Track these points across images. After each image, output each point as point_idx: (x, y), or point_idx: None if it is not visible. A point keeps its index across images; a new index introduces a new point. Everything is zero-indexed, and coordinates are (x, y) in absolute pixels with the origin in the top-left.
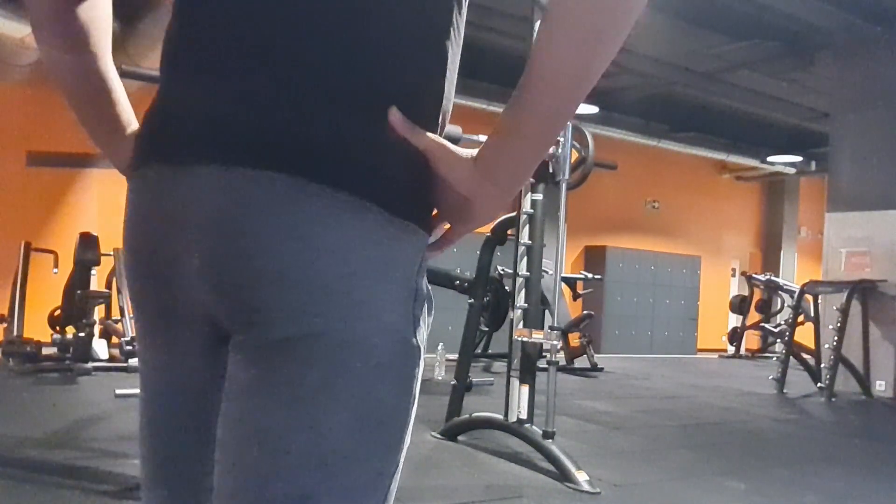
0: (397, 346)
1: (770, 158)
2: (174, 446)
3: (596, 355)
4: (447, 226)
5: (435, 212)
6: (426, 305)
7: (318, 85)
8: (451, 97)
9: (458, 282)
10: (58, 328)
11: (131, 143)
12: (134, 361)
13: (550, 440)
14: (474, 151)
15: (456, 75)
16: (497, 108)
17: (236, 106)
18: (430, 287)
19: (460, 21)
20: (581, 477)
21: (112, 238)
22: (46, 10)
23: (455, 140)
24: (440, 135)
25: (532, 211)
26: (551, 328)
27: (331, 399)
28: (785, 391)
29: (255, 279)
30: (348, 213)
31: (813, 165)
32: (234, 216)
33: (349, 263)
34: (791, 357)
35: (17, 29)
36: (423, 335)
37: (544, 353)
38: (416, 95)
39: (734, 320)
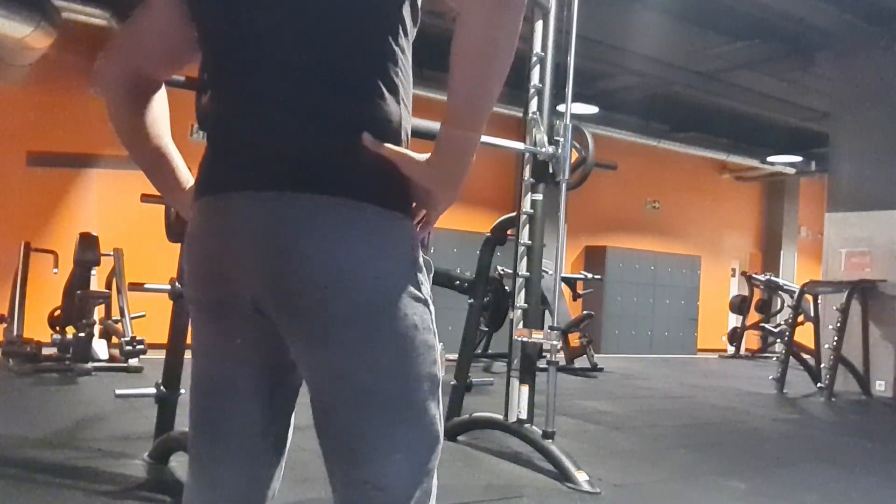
0: (409, 300)
1: (770, 158)
2: (226, 404)
3: (596, 355)
4: (423, 212)
5: (413, 204)
6: (424, 270)
7: (312, 127)
8: (409, 117)
9: (458, 282)
10: (58, 328)
11: (189, 193)
12: (134, 362)
13: (550, 440)
14: (426, 155)
15: (410, 99)
16: (496, 108)
17: (267, 151)
18: (426, 257)
19: (406, 59)
20: (581, 477)
21: (112, 238)
22: (122, 112)
23: None
24: (404, 145)
25: (532, 211)
26: (551, 328)
27: (374, 344)
28: (785, 391)
29: (297, 270)
30: (351, 213)
31: (813, 165)
32: (277, 226)
33: (359, 249)
34: (791, 357)
35: (17, 29)
36: (427, 290)
37: (544, 353)
38: (381, 121)
39: (734, 320)
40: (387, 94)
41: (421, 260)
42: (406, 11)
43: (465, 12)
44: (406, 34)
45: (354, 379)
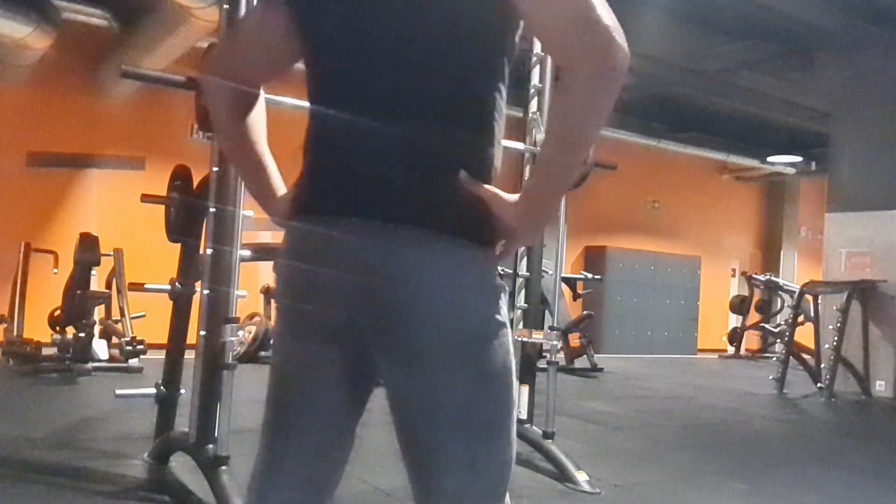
0: (491, 325)
1: (770, 158)
2: (308, 430)
3: (596, 355)
4: (503, 243)
5: (498, 236)
6: (502, 293)
7: (416, 165)
8: (499, 157)
9: None
10: (58, 328)
11: (282, 202)
12: (133, 362)
13: (550, 440)
14: (516, 196)
15: (502, 138)
16: None
17: (367, 181)
18: (501, 281)
19: (502, 101)
20: (581, 477)
21: (112, 238)
22: (226, 119)
23: None
24: (494, 182)
25: None
26: (551, 328)
27: (456, 367)
28: (785, 391)
29: (394, 295)
30: (443, 245)
31: (813, 165)
32: (378, 254)
33: (448, 279)
34: (791, 357)
35: (17, 29)
36: (504, 313)
37: (544, 354)
38: (477, 161)
39: (734, 320)
40: (485, 137)
41: (499, 283)
42: (505, 59)
43: (571, 76)
44: (504, 79)
45: (439, 398)
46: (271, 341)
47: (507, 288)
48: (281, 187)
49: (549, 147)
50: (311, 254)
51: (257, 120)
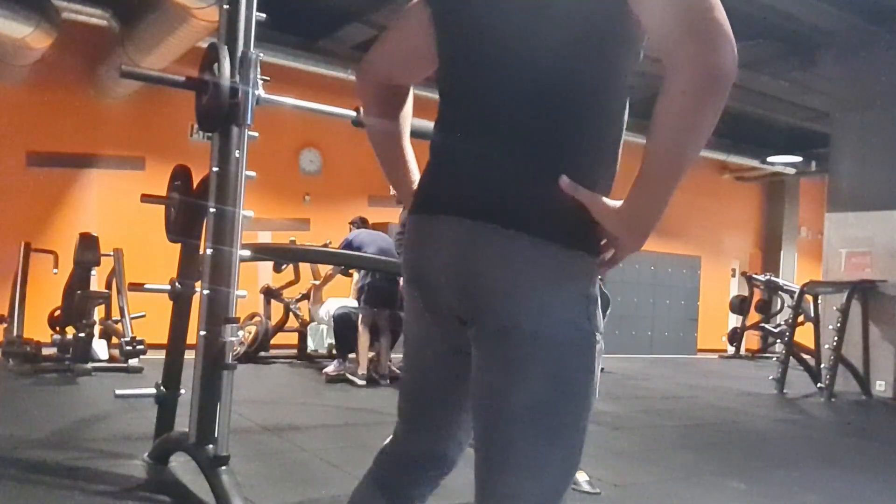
0: (574, 332)
1: (770, 159)
2: (427, 390)
3: None
4: (611, 252)
5: (603, 242)
6: (599, 304)
7: (516, 172)
8: (614, 165)
9: None
10: (58, 328)
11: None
12: (133, 362)
13: None
14: (619, 203)
15: (619, 147)
16: None
17: (470, 184)
18: (604, 291)
19: (621, 121)
20: (581, 477)
21: (112, 238)
22: (375, 116)
23: None
24: (604, 191)
25: None
26: None
27: (531, 368)
28: (785, 391)
29: (478, 290)
30: (534, 248)
31: (813, 165)
32: (467, 250)
33: (535, 280)
34: (791, 357)
35: (17, 29)
36: (597, 323)
37: None
38: (581, 168)
39: (734, 320)
40: (604, 139)
41: (596, 294)
42: (625, 73)
43: (673, 84)
44: (623, 92)
45: (511, 397)
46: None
47: (609, 300)
48: (416, 179)
49: (654, 153)
50: (420, 247)
51: (404, 117)
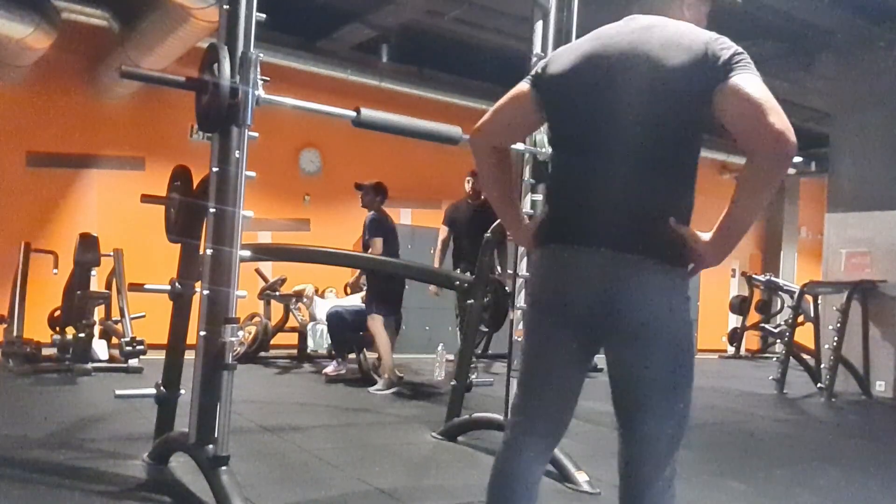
0: (688, 325)
1: None
2: (550, 386)
3: (596, 356)
4: (692, 266)
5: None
6: (688, 299)
7: (644, 215)
8: (692, 208)
9: (458, 282)
10: (58, 329)
11: (525, 230)
12: (133, 362)
13: None
14: (708, 235)
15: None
16: None
17: (608, 224)
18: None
19: (697, 167)
20: (581, 477)
21: (112, 238)
22: (486, 168)
23: (455, 140)
24: (688, 223)
25: (532, 211)
26: None
27: (664, 348)
28: (785, 391)
29: (621, 300)
30: (659, 270)
31: (813, 165)
32: (610, 276)
33: (664, 293)
34: (791, 357)
35: (17, 29)
36: (691, 313)
37: None
38: (683, 208)
39: (734, 321)
40: (690, 188)
41: (688, 295)
42: (703, 135)
43: (757, 161)
44: (700, 149)
45: (648, 367)
46: (524, 329)
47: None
48: (525, 220)
49: (737, 203)
50: (558, 271)
51: (507, 169)
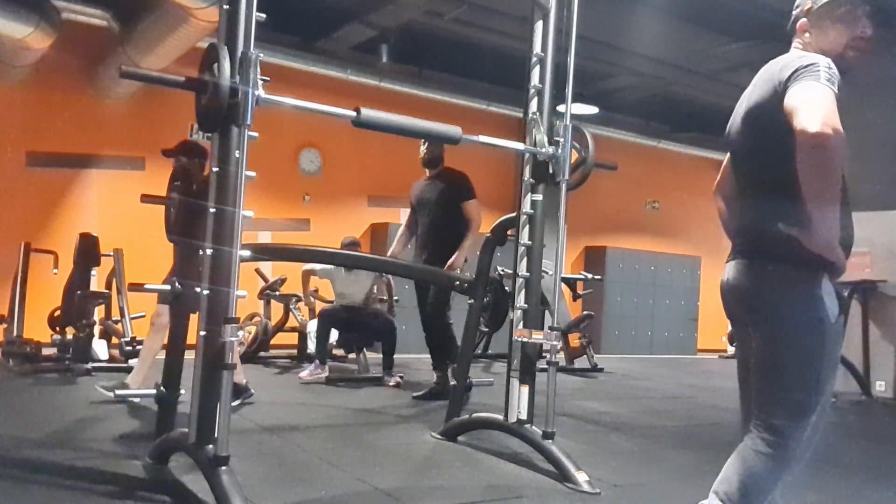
0: (805, 313)
1: None
2: (744, 370)
3: (596, 356)
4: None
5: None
6: (824, 295)
7: (767, 229)
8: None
9: (458, 282)
10: (58, 328)
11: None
12: (134, 362)
13: (550, 440)
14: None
15: None
16: (497, 109)
17: (742, 235)
18: (831, 290)
19: None
20: (581, 477)
21: (112, 238)
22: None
23: (455, 140)
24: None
25: (532, 211)
26: (551, 328)
27: (789, 345)
28: None
29: (754, 307)
30: (788, 273)
31: None
32: (744, 280)
33: (791, 295)
34: None
35: (17, 29)
36: (822, 310)
37: (544, 354)
38: (798, 215)
39: None
40: (798, 198)
41: (817, 293)
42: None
43: (797, 146)
44: None
45: (776, 349)
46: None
47: (832, 291)
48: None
49: (805, 194)
50: (724, 282)
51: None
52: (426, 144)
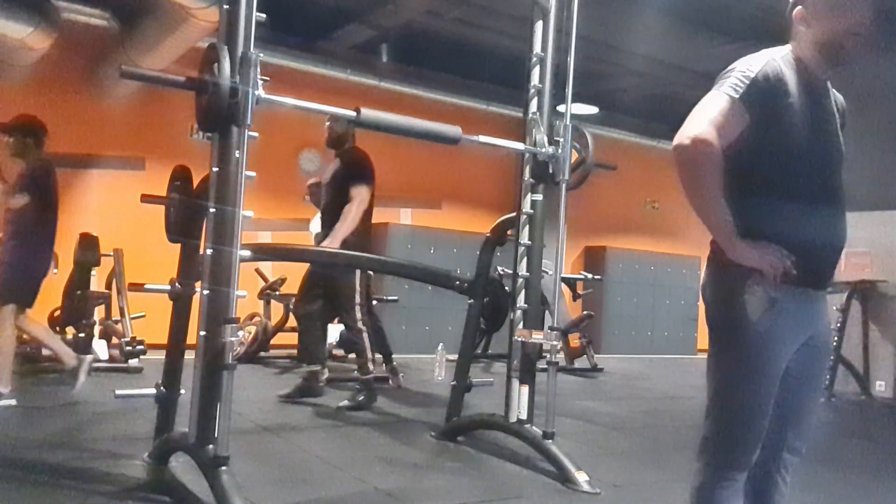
0: (734, 320)
1: None
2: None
3: (596, 356)
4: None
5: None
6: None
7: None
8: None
9: (457, 282)
10: (58, 329)
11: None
12: (133, 362)
13: (550, 440)
14: None
15: None
16: (497, 109)
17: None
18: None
19: None
20: (581, 477)
21: (112, 238)
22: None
23: (455, 140)
24: None
25: (532, 211)
26: (551, 328)
27: (715, 347)
28: None
29: (706, 306)
30: (711, 275)
31: None
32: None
33: (714, 291)
34: None
35: (17, 29)
36: (752, 314)
37: (544, 354)
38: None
39: None
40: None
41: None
42: None
43: None
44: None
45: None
46: None
47: (762, 293)
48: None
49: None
50: None
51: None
52: (328, 123)
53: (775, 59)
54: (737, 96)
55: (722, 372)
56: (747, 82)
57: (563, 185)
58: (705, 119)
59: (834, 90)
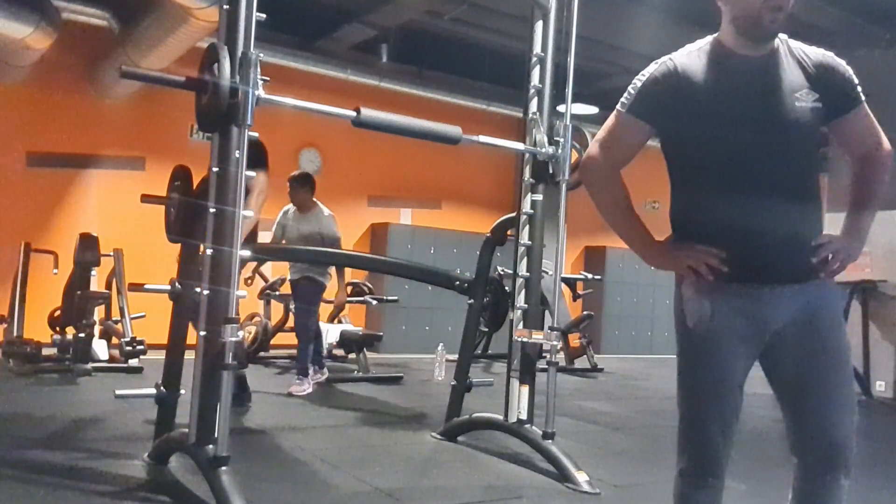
0: (677, 322)
1: None
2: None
3: (596, 356)
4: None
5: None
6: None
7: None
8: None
9: (457, 282)
10: (58, 329)
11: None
12: (133, 362)
13: (550, 440)
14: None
15: None
16: (497, 109)
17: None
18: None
19: None
20: (581, 477)
21: (112, 238)
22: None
23: (455, 140)
24: None
25: (532, 211)
26: (551, 328)
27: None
28: None
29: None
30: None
31: None
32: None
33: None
34: None
35: (17, 29)
36: (691, 315)
37: (544, 354)
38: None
39: None
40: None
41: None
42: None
43: None
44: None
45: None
46: None
47: (697, 295)
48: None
49: None
50: None
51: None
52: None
53: (672, 58)
54: (623, 110)
55: (677, 379)
56: (634, 93)
57: (563, 185)
58: (595, 139)
59: (828, 57)
